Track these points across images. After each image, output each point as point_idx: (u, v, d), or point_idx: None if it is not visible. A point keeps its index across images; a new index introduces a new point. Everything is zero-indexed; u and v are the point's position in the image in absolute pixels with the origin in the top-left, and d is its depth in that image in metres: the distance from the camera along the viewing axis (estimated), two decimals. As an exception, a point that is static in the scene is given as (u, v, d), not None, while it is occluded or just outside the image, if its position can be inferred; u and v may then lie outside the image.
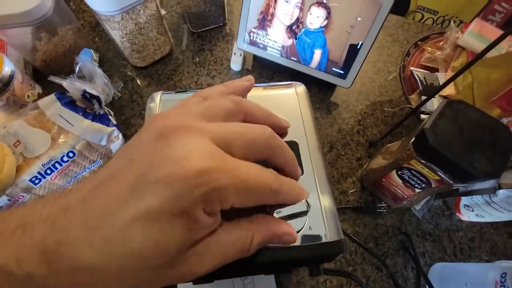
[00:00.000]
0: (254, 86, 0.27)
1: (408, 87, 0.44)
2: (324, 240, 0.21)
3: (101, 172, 0.16)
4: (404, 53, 0.47)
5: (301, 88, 0.28)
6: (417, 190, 0.38)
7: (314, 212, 0.21)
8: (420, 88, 0.43)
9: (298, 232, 0.21)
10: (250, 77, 0.21)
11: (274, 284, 0.40)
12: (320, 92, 0.56)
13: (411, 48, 0.47)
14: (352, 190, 0.47)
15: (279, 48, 0.53)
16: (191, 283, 0.32)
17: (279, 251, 0.20)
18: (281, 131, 0.21)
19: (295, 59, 0.53)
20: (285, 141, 0.25)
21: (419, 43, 0.47)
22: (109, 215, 0.14)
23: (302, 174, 0.23)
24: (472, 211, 0.42)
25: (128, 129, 0.50)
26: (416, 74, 0.44)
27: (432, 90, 0.40)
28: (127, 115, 0.52)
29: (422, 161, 0.33)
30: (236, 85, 0.21)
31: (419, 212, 0.45)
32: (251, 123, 0.18)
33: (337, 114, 0.55)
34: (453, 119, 0.32)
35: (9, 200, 0.35)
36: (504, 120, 0.36)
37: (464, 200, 0.42)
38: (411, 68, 0.45)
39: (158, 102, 0.25)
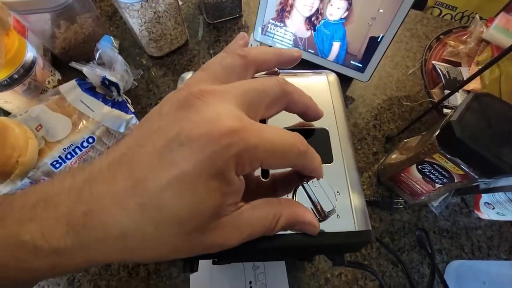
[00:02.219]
0: (285, 72, 0.27)
1: (430, 81, 0.44)
2: (352, 229, 0.20)
3: (124, 142, 0.15)
4: (426, 46, 0.46)
5: (332, 76, 0.27)
6: (437, 186, 0.38)
7: (342, 201, 0.21)
8: (443, 82, 0.42)
9: (325, 219, 0.21)
10: (298, 50, 0.21)
11: (285, 274, 0.39)
12: (336, 85, 0.56)
13: (433, 42, 0.46)
14: (368, 185, 0.47)
15: (297, 41, 0.52)
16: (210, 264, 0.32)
17: (308, 236, 0.20)
18: (316, 119, 0.21)
19: (313, 51, 0.52)
20: (316, 128, 0.24)
21: (441, 37, 0.46)
22: (141, 180, 0.14)
23: (331, 162, 0.23)
24: (493, 209, 0.41)
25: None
26: (439, 68, 0.43)
27: (455, 84, 0.40)
28: (143, 104, 0.52)
29: (447, 155, 0.32)
30: (284, 53, 0.21)
31: (436, 209, 0.45)
32: (294, 106, 0.19)
33: (353, 108, 0.54)
34: (481, 112, 0.31)
35: (31, 182, 0.35)
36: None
37: (485, 197, 0.41)
38: (433, 62, 0.44)
39: None
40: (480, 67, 0.32)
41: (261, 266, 0.39)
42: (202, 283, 0.38)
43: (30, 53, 0.41)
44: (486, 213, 0.43)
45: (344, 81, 0.56)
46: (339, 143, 0.23)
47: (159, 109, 0.16)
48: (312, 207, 0.20)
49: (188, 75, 0.25)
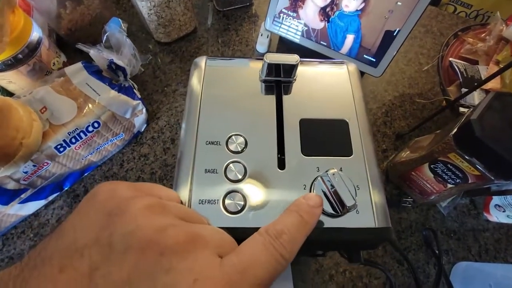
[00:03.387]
0: (306, 61, 0.26)
1: (446, 79, 0.42)
2: (372, 225, 0.20)
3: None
4: (443, 43, 0.45)
5: (353, 66, 0.26)
6: (449, 186, 0.37)
7: (362, 196, 0.20)
8: (460, 80, 0.41)
9: (345, 214, 0.20)
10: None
11: (289, 269, 0.39)
12: (347, 80, 0.54)
13: (450, 38, 0.45)
14: (376, 182, 0.46)
15: (309, 32, 0.51)
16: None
17: (326, 230, 0.19)
18: None
19: (325, 43, 0.51)
20: (335, 119, 0.23)
21: (459, 33, 0.45)
22: None
23: (351, 156, 0.22)
24: (504, 211, 0.40)
25: (150, 105, 0.49)
26: (456, 65, 0.41)
27: (473, 83, 0.38)
28: (149, 90, 0.51)
29: (464, 154, 0.31)
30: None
31: (445, 209, 0.44)
32: None
33: (363, 104, 0.53)
34: (502, 112, 0.30)
35: (34, 165, 0.34)
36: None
37: (495, 199, 0.41)
38: (451, 59, 0.43)
39: (203, 67, 0.24)
40: (501, 66, 0.31)
41: None
42: None
43: (36, 33, 0.39)
44: (495, 216, 0.42)
45: (355, 76, 0.55)
46: (360, 136, 0.22)
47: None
48: (333, 201, 0.19)
49: (202, 60, 0.24)
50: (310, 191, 0.21)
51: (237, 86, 0.24)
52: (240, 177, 0.21)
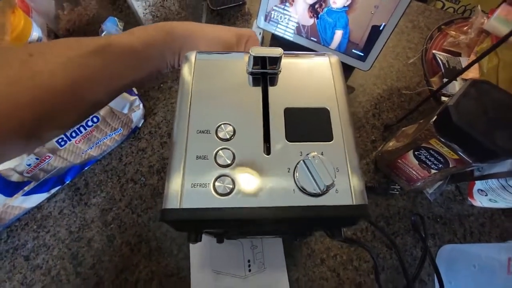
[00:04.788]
0: (288, 53, 0.27)
1: (430, 70, 0.44)
2: (350, 203, 0.21)
3: None
4: (427, 36, 0.47)
5: (334, 58, 0.28)
6: (432, 171, 0.39)
7: (341, 177, 0.22)
8: (442, 70, 0.42)
9: (325, 194, 0.22)
10: None
11: (282, 254, 0.41)
12: (337, 74, 0.56)
13: (434, 32, 0.47)
14: (366, 171, 0.48)
15: (299, 28, 0.53)
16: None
17: (308, 208, 0.21)
18: None
19: (315, 39, 0.53)
20: (317, 107, 0.25)
21: (442, 27, 0.47)
22: None
23: (331, 141, 0.24)
24: (486, 195, 0.42)
25: (147, 101, 0.51)
26: (439, 57, 0.43)
27: (454, 73, 0.40)
28: (146, 88, 0.52)
29: (443, 139, 0.33)
30: None
31: (431, 196, 0.46)
32: None
33: (353, 97, 0.55)
34: (477, 99, 0.32)
35: (36, 158, 0.36)
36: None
37: (478, 184, 0.43)
38: (434, 51, 0.44)
39: (193, 61, 0.25)
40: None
41: (259, 245, 0.40)
42: (202, 262, 0.40)
43: (36, 33, 0.41)
44: (479, 200, 0.44)
45: (345, 71, 0.56)
46: (340, 123, 0.24)
47: None
48: (313, 181, 0.21)
49: (192, 54, 0.26)
50: (294, 174, 0.22)
51: (226, 78, 0.26)
52: (229, 162, 0.23)
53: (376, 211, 0.45)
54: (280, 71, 0.26)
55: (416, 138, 0.38)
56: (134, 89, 0.45)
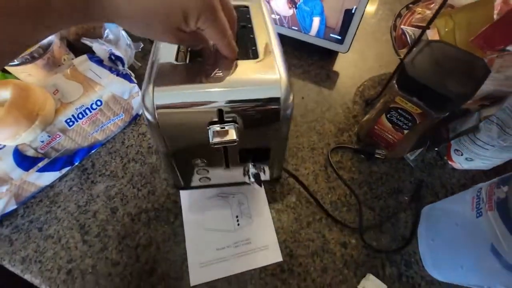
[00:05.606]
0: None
1: (400, 45, 0.48)
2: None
3: None
4: (395, 14, 0.51)
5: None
6: (405, 132, 0.42)
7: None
8: (409, 42, 0.46)
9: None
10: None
11: (266, 203, 0.45)
12: (320, 60, 0.61)
13: (402, 10, 0.51)
14: (349, 143, 0.51)
15: (281, 20, 0.58)
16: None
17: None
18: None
19: (296, 28, 0.58)
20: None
21: (410, 6, 0.51)
22: None
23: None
24: (462, 155, 0.44)
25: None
26: (407, 31, 0.47)
27: (420, 43, 0.44)
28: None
29: (405, 95, 0.36)
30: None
31: (412, 162, 0.48)
32: None
33: (336, 79, 0.59)
34: (431, 55, 0.35)
35: (48, 136, 0.41)
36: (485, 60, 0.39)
37: (454, 145, 0.45)
38: (402, 26, 0.48)
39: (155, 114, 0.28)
40: (439, 28, 0.36)
41: (245, 202, 0.44)
42: (195, 222, 0.43)
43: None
44: (457, 162, 0.46)
45: (328, 56, 0.61)
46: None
47: None
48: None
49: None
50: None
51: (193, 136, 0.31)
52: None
53: (359, 178, 0.47)
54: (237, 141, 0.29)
55: (385, 101, 0.41)
56: (133, 77, 0.50)
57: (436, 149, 0.48)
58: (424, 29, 0.39)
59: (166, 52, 0.30)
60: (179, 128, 0.29)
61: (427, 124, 0.38)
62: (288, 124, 0.31)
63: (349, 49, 0.55)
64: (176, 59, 0.29)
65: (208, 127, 0.28)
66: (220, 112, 0.27)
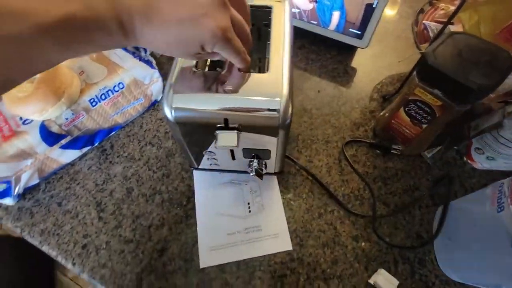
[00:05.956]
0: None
1: (422, 41, 0.47)
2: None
3: None
4: (417, 10, 0.50)
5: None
6: (423, 126, 0.41)
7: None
8: (431, 37, 0.45)
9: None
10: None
11: (279, 194, 0.45)
12: (338, 55, 0.61)
13: (425, 5, 0.50)
14: (364, 138, 0.50)
15: (301, 14, 0.58)
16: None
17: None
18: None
19: (315, 22, 0.58)
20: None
21: (434, 1, 0.50)
22: None
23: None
24: (483, 154, 0.42)
25: (165, 81, 0.58)
26: (429, 26, 0.46)
27: (443, 38, 0.43)
28: (165, 70, 0.59)
29: (425, 86, 0.36)
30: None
31: (430, 159, 0.47)
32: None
33: (354, 74, 0.58)
34: (454, 46, 0.35)
35: (72, 114, 0.43)
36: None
37: (474, 143, 0.43)
38: (424, 21, 0.48)
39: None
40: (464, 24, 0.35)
41: (258, 190, 0.44)
42: (207, 204, 0.44)
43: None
44: (478, 161, 0.44)
45: (346, 52, 0.61)
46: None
47: None
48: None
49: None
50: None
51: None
52: None
53: (374, 173, 0.47)
54: None
55: (404, 93, 0.40)
56: (153, 63, 0.52)
57: (455, 147, 0.47)
58: (447, 22, 0.38)
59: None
60: (192, 127, 0.34)
61: (447, 118, 0.37)
62: (286, 133, 0.34)
63: (368, 44, 0.55)
64: (196, 67, 0.33)
65: (215, 132, 0.32)
66: (225, 120, 0.31)
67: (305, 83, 0.57)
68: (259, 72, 0.34)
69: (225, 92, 0.30)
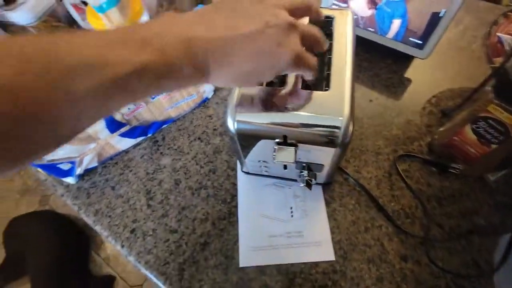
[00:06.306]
0: None
1: (494, 54, 0.44)
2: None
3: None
4: (492, 22, 0.46)
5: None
6: (493, 146, 0.38)
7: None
8: (507, 49, 0.42)
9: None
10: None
11: (323, 202, 0.44)
12: (393, 64, 0.58)
13: (499, 18, 0.46)
14: (419, 152, 0.47)
15: (357, 20, 0.57)
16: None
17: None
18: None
19: (372, 29, 0.56)
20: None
21: (509, 13, 0.46)
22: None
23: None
24: (560, 182, 0.38)
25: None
26: (504, 39, 0.43)
27: (521, 52, 0.39)
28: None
29: (501, 103, 0.33)
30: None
31: (493, 183, 0.43)
32: None
33: (409, 85, 0.56)
34: (542, 61, 0.31)
35: (134, 105, 0.46)
36: None
37: (551, 170, 0.39)
38: (498, 33, 0.44)
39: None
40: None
41: (302, 195, 0.44)
42: (250, 204, 0.44)
43: (144, 17, 0.54)
44: (553, 190, 0.40)
45: (403, 61, 0.58)
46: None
47: None
48: None
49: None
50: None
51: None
52: None
53: (428, 191, 0.44)
54: None
55: (473, 109, 0.38)
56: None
57: (525, 172, 0.43)
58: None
59: None
60: (251, 138, 0.35)
61: (525, 139, 0.34)
62: (344, 150, 0.33)
63: (429, 55, 0.52)
64: None
65: (274, 146, 0.33)
66: (284, 136, 0.32)
67: (357, 91, 0.56)
68: (320, 86, 0.34)
69: (286, 109, 0.31)
